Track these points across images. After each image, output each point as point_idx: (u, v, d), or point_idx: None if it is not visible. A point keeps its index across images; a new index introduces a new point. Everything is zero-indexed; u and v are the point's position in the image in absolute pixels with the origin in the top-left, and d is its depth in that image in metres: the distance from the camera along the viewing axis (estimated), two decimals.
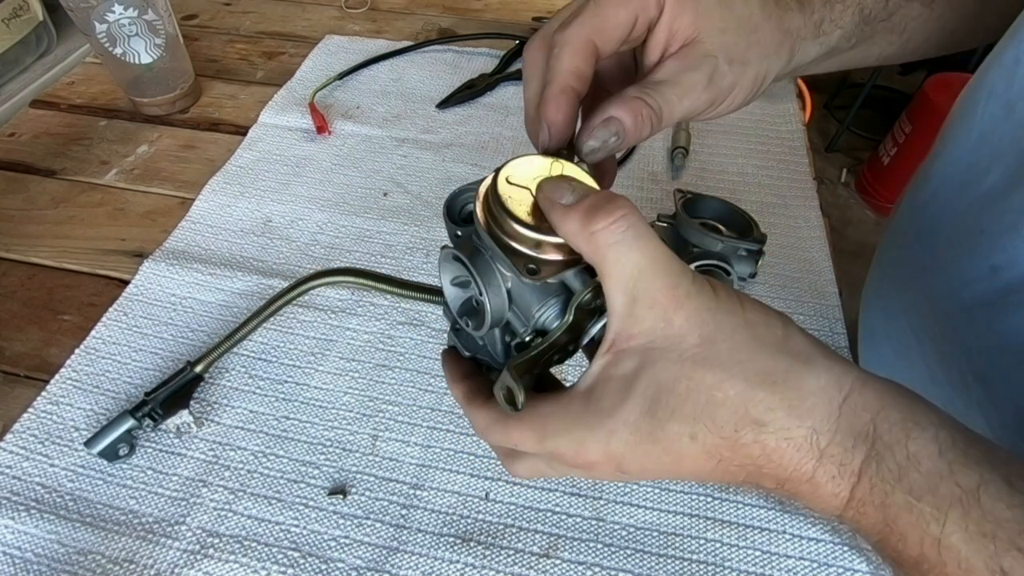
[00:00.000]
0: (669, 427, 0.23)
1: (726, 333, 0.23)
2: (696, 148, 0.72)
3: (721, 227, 0.53)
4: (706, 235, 0.50)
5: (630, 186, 0.68)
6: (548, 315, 0.27)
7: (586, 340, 0.27)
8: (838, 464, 0.23)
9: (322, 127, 0.71)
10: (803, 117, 0.77)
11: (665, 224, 0.54)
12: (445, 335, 0.54)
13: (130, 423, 0.45)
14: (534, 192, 0.26)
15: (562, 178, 0.26)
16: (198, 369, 0.48)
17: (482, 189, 0.28)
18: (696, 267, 0.50)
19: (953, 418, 0.23)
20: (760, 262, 0.53)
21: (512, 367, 0.25)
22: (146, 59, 0.69)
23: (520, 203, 0.26)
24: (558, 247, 0.26)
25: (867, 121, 2.34)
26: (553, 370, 0.28)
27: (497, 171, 0.28)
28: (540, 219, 0.26)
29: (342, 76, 0.79)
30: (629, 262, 0.23)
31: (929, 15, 0.37)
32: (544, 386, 0.28)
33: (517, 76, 0.80)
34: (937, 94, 1.85)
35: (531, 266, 0.26)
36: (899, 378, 0.43)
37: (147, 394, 0.47)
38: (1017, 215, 0.33)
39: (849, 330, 0.55)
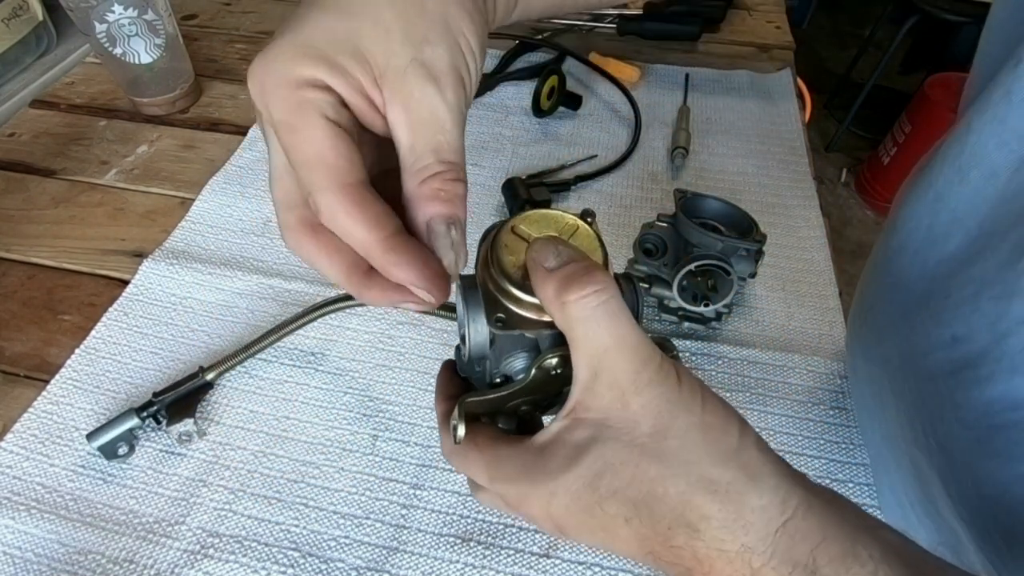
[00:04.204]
0: (607, 505, 0.23)
1: (679, 430, 0.23)
2: (696, 148, 0.72)
3: (721, 227, 0.53)
4: (706, 235, 0.50)
5: (630, 186, 0.68)
6: (515, 366, 0.28)
7: (562, 402, 0.27)
8: None
9: None
10: (803, 117, 0.77)
11: (665, 224, 0.54)
12: (444, 335, 0.54)
13: (134, 422, 0.45)
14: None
15: (551, 240, 0.26)
16: (209, 377, 0.48)
17: (503, 223, 0.28)
18: (696, 267, 0.50)
19: (903, 547, 0.23)
20: (760, 262, 0.53)
21: (463, 401, 0.26)
22: (146, 59, 0.69)
23: (515, 255, 0.26)
24: (537, 307, 0.26)
25: (867, 121, 2.34)
26: None
27: (510, 218, 0.28)
28: (527, 275, 0.26)
29: None
30: (596, 338, 0.23)
31: None
32: (528, 430, 0.28)
33: (517, 76, 0.80)
34: (937, 94, 1.86)
35: (500, 315, 0.26)
36: (876, 427, 0.41)
37: (155, 395, 0.47)
38: (977, 287, 0.32)
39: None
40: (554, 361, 0.26)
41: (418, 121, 0.23)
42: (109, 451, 0.45)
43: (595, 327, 0.23)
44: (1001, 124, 0.31)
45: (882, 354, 0.42)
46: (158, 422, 0.47)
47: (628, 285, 0.30)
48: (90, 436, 0.44)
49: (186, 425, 0.46)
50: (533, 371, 0.26)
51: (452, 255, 0.25)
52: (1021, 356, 0.30)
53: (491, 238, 0.28)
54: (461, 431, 0.26)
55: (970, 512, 0.35)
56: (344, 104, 0.23)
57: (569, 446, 0.24)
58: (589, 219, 0.29)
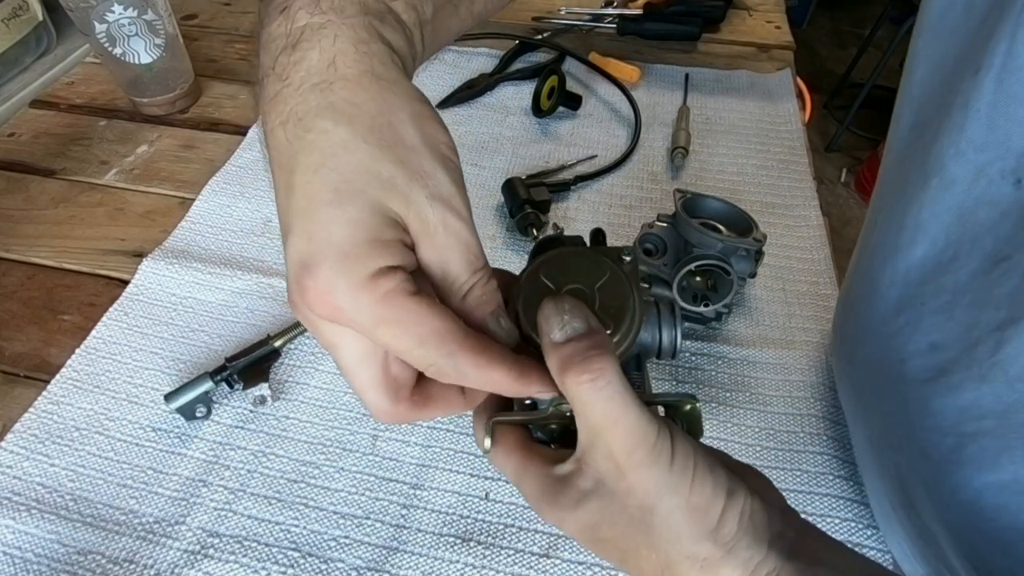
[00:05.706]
0: (604, 548, 0.26)
1: (663, 511, 0.24)
2: (696, 148, 0.72)
3: (721, 227, 0.53)
4: (706, 235, 0.50)
5: (630, 186, 0.68)
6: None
7: None
8: None
9: None
10: (803, 117, 0.77)
11: (665, 224, 0.54)
12: None
13: (208, 385, 0.47)
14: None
15: (559, 307, 0.25)
16: (277, 344, 0.50)
17: (531, 267, 0.29)
18: (696, 267, 0.50)
19: None
20: (760, 262, 0.53)
21: (495, 418, 0.28)
22: (146, 59, 0.69)
23: (537, 301, 0.26)
24: None
25: (867, 121, 2.34)
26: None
27: (541, 259, 0.29)
28: None
29: None
30: (593, 416, 0.24)
31: None
32: (565, 440, 0.29)
33: (517, 76, 0.80)
34: None
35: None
36: (860, 429, 0.39)
37: (228, 360, 0.49)
38: (951, 295, 0.32)
39: None
40: (567, 407, 0.26)
41: (448, 251, 0.25)
42: (188, 412, 0.47)
43: (591, 409, 0.24)
44: (959, 132, 0.31)
45: (863, 357, 0.42)
46: (231, 386, 0.49)
47: (668, 313, 0.30)
48: (168, 397, 0.46)
49: (261, 389, 0.48)
50: (552, 407, 0.27)
51: (508, 338, 0.27)
52: (988, 364, 0.30)
53: (520, 282, 0.28)
54: (486, 445, 0.28)
55: (949, 518, 0.35)
56: (404, 268, 0.24)
57: (577, 489, 0.26)
58: (626, 257, 0.29)
